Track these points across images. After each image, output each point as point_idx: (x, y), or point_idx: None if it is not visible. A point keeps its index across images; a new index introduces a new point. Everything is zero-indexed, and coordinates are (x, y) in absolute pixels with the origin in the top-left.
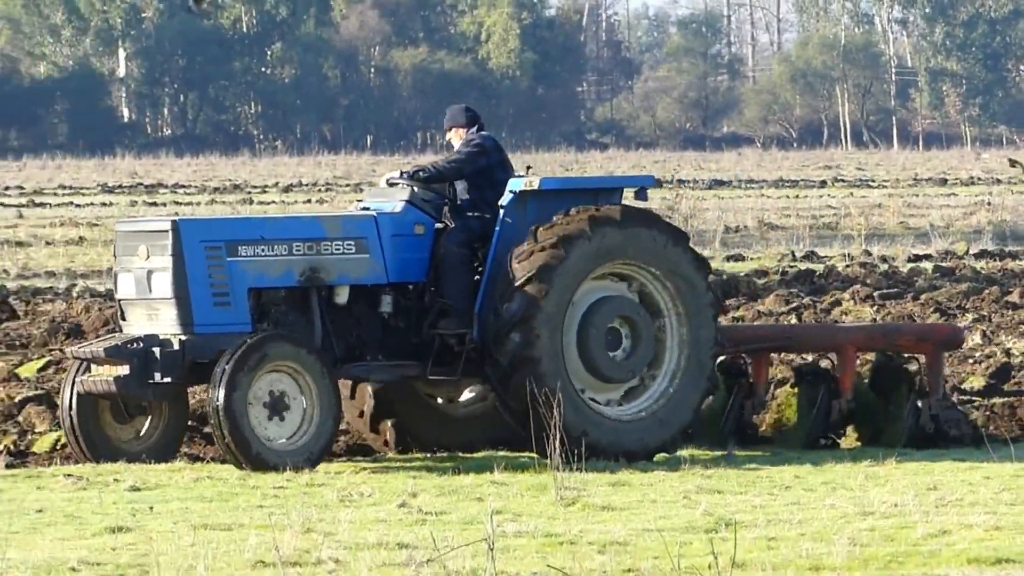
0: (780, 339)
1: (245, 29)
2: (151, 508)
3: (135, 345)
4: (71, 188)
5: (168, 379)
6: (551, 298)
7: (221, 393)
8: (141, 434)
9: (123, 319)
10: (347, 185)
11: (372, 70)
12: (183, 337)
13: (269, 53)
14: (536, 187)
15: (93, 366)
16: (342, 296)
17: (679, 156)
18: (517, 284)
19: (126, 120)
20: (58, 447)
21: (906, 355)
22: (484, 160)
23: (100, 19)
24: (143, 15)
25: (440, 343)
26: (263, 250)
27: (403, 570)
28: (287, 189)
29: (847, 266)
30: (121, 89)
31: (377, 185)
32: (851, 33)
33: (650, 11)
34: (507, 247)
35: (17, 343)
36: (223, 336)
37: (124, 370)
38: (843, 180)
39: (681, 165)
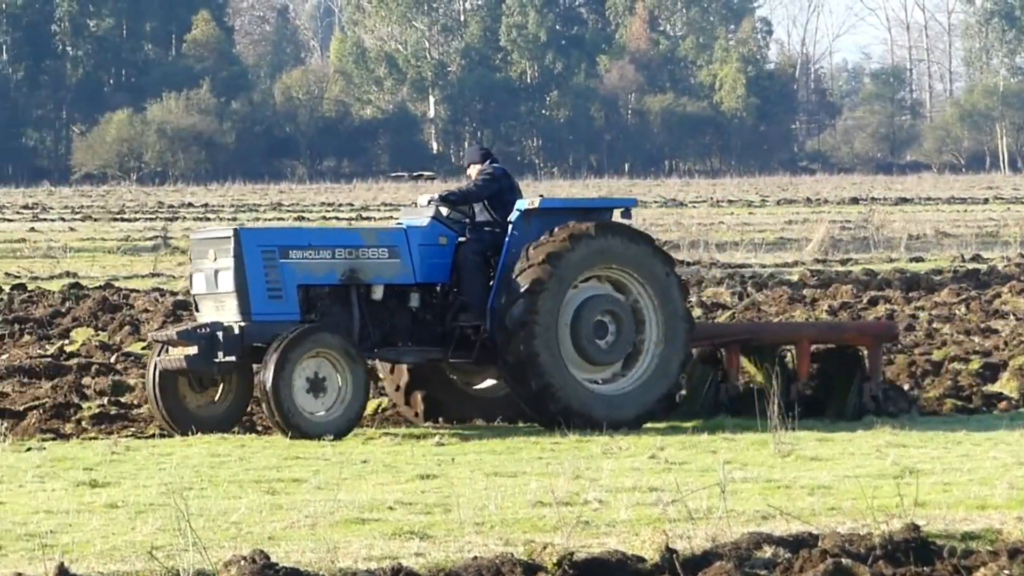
0: (748, 334)
1: (529, 80)
2: (452, 459)
3: (203, 330)
4: (391, 205)
5: (230, 358)
6: (545, 305)
7: (270, 374)
8: (214, 401)
9: (196, 310)
10: None
11: (629, 112)
12: (243, 324)
13: (548, 99)
14: (537, 206)
15: (169, 347)
16: (378, 293)
17: (872, 179)
18: (517, 296)
19: (435, 152)
20: (379, 411)
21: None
22: (496, 186)
23: (414, 72)
24: (448, 69)
25: (460, 333)
26: (311, 254)
27: (652, 509)
28: None
29: (1005, 266)
30: (431, 127)
31: (415, 204)
32: (1008, 82)
33: (848, 65)
34: (515, 255)
35: None
36: (276, 323)
37: (193, 350)
38: (1001, 198)
39: (874, 187)
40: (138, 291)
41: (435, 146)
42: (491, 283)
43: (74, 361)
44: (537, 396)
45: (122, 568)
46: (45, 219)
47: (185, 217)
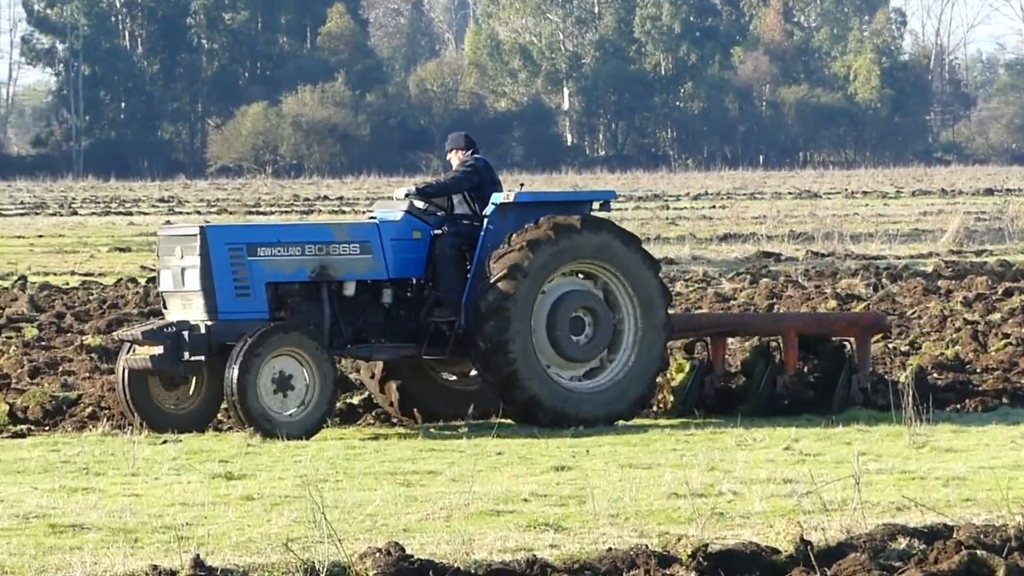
0: (734, 324)
1: (663, 72)
2: (587, 451)
3: (169, 329)
4: None
5: (197, 358)
6: (521, 291)
7: (235, 373)
8: (185, 400)
9: (164, 308)
10: (743, 194)
11: (763, 103)
12: (209, 323)
13: (682, 90)
14: (512, 200)
15: (136, 346)
16: (350, 289)
17: (1007, 170)
18: (492, 280)
19: (569, 144)
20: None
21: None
22: (477, 178)
23: (549, 64)
24: (582, 61)
25: (435, 329)
26: (279, 251)
27: (787, 500)
28: (696, 197)
29: None
30: (565, 119)
31: (392, 198)
32: None
33: (983, 55)
34: (490, 249)
35: None
36: (244, 322)
37: (159, 350)
38: None
39: (1008, 177)
40: None
41: (569, 138)
42: (467, 277)
43: None
44: (505, 383)
45: (257, 560)
46: (181, 212)
47: (320, 210)
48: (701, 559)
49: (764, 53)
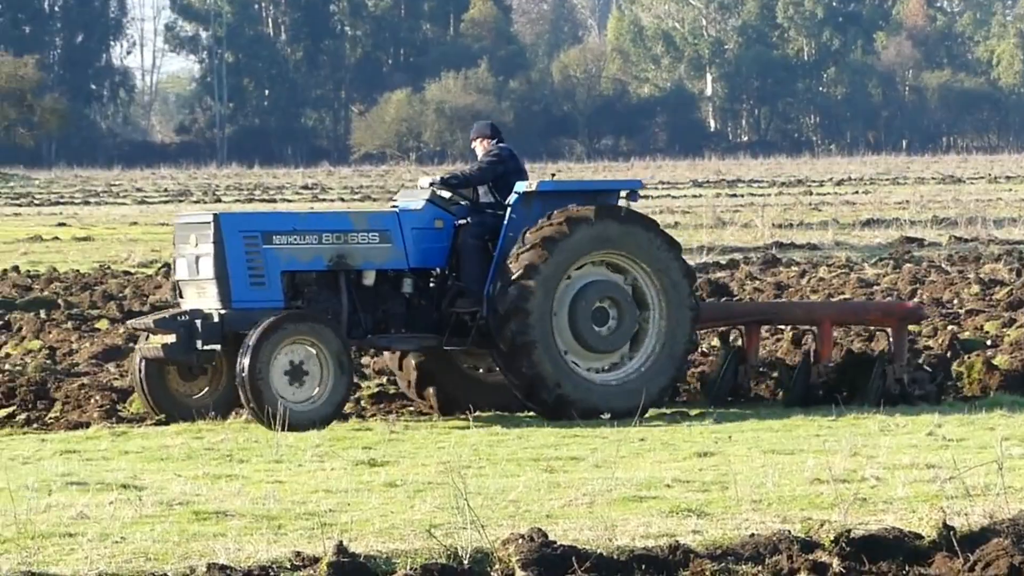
0: (768, 314)
1: (806, 57)
2: (729, 437)
3: (182, 318)
4: (668, 183)
5: (210, 347)
6: (539, 290)
7: (247, 361)
8: (202, 392)
9: (180, 296)
10: (886, 180)
11: (906, 88)
12: (223, 311)
13: (825, 75)
14: (535, 189)
15: (149, 335)
16: (369, 279)
17: None
18: (510, 281)
19: (712, 129)
20: None
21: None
22: (501, 168)
23: (692, 50)
24: (726, 47)
25: (456, 319)
26: (295, 239)
27: (930, 486)
28: (839, 183)
29: None
30: (708, 105)
31: (416, 186)
32: None
33: None
34: (512, 239)
35: None
36: (258, 311)
37: (172, 339)
38: None
39: None
40: None
41: (712, 124)
42: (490, 268)
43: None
44: (529, 384)
45: (400, 546)
46: (324, 199)
47: None
48: (844, 544)
49: (907, 38)
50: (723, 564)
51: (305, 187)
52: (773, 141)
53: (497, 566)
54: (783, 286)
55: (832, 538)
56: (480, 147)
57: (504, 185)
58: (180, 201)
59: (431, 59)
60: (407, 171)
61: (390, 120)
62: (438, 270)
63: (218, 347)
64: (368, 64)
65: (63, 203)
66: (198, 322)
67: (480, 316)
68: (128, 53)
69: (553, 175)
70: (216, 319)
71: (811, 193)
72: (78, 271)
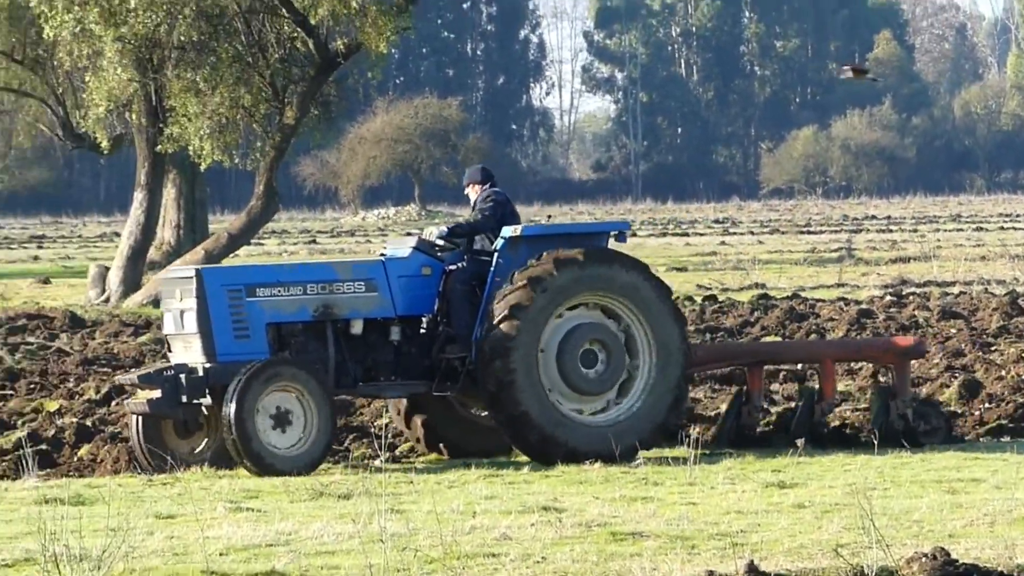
0: (771, 353)
1: None
2: None
3: (167, 372)
4: None
5: (196, 401)
6: (524, 331)
7: (232, 409)
8: (197, 449)
9: (169, 351)
10: None
11: None
12: (208, 365)
13: None
14: (519, 234)
15: (137, 390)
16: (356, 328)
17: None
18: (495, 322)
19: None
20: None
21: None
22: (501, 212)
23: None
24: None
25: (446, 365)
26: (279, 291)
27: None
28: None
29: None
30: None
31: (411, 234)
32: None
33: None
34: (500, 284)
35: None
36: (243, 364)
37: (157, 394)
38: None
39: None
40: (823, 300)
41: None
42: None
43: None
44: (515, 423)
45: (808, 565)
46: (735, 233)
47: (868, 229)
48: None
49: None
50: None
51: (716, 221)
52: None
53: None
54: None
55: None
56: (472, 192)
57: (499, 230)
58: None
59: (837, 97)
60: (814, 204)
61: (797, 156)
62: (427, 317)
63: (205, 401)
64: (776, 102)
65: None
66: (183, 376)
67: (469, 361)
68: (547, 94)
69: (549, 217)
70: (201, 373)
71: None
72: None
